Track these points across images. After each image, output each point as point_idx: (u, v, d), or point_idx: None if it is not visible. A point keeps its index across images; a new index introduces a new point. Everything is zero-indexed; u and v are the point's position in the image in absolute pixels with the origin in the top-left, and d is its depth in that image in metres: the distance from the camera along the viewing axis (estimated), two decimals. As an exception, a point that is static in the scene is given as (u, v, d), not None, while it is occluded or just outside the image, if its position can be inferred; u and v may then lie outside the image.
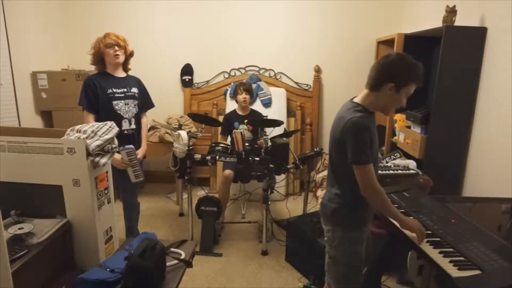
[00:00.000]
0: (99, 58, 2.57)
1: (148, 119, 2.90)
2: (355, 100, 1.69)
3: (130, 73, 2.75)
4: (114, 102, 2.57)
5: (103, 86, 2.55)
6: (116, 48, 2.55)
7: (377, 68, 1.61)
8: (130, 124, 2.65)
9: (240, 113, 3.54)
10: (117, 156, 2.41)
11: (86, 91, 2.55)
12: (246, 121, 3.49)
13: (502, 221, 1.86)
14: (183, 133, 2.91)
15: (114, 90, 2.58)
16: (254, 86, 4.04)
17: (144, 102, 2.79)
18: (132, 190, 2.83)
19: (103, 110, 2.55)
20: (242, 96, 3.44)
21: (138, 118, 2.72)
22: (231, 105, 4.04)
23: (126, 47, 2.62)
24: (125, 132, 2.59)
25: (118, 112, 2.58)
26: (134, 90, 2.67)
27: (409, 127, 3.05)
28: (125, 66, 2.69)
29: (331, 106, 4.36)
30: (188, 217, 3.05)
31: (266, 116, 3.54)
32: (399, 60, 1.57)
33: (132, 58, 2.72)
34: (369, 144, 1.55)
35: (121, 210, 2.81)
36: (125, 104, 2.62)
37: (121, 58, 2.60)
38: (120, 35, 2.60)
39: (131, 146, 2.57)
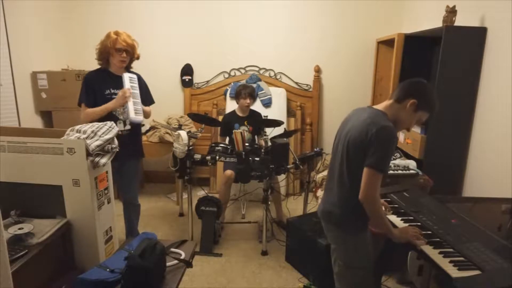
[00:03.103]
0: (104, 56, 2.54)
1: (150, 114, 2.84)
2: (377, 108, 1.69)
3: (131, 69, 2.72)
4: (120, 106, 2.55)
5: (101, 86, 2.53)
6: (124, 54, 2.52)
7: (409, 82, 1.70)
8: (125, 125, 2.61)
9: (240, 114, 3.54)
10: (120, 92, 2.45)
11: (87, 88, 2.54)
12: (246, 122, 3.49)
13: (502, 221, 1.86)
14: (183, 133, 2.91)
15: (112, 91, 2.55)
16: (254, 86, 4.04)
17: (144, 97, 2.72)
18: (133, 191, 2.81)
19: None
20: (246, 101, 3.43)
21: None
22: (231, 105, 4.04)
23: (134, 52, 2.60)
24: (119, 133, 2.55)
25: (114, 113, 2.55)
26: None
27: (409, 127, 3.05)
28: (127, 65, 2.65)
29: (331, 106, 4.36)
30: (188, 217, 3.05)
31: (266, 116, 3.54)
32: (429, 87, 1.69)
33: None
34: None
35: (121, 210, 2.81)
36: (121, 106, 2.57)
37: (126, 63, 2.58)
38: (130, 39, 2.56)
39: (134, 75, 2.58)
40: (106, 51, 2.51)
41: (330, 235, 1.84)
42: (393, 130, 1.57)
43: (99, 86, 2.53)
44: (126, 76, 2.54)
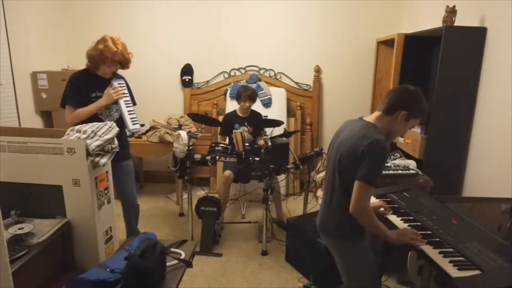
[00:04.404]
0: (97, 61, 2.48)
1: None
2: (368, 120, 1.70)
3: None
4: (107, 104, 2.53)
5: (87, 89, 2.49)
6: (118, 66, 2.52)
7: (396, 93, 1.69)
8: (121, 119, 2.57)
9: (240, 114, 3.54)
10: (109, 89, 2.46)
11: (73, 90, 2.49)
12: (246, 123, 3.49)
13: (502, 221, 1.86)
14: (183, 133, 2.91)
15: (98, 94, 2.50)
16: (254, 86, 4.04)
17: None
18: (130, 191, 2.80)
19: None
20: (245, 104, 3.43)
21: (120, 122, 2.62)
22: (231, 105, 4.04)
23: (127, 66, 2.59)
24: None
25: (99, 116, 2.52)
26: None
27: (409, 127, 3.05)
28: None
29: (331, 106, 4.36)
30: (188, 217, 3.05)
31: (266, 116, 3.54)
32: (416, 94, 1.67)
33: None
34: None
35: (120, 210, 2.80)
36: (107, 109, 2.54)
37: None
38: (127, 52, 2.52)
39: (122, 81, 2.60)
40: (100, 59, 2.46)
41: (330, 248, 1.84)
42: (384, 143, 1.58)
43: (85, 88, 2.49)
44: (115, 84, 2.54)
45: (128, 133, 2.66)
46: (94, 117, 2.48)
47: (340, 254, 1.79)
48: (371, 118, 1.71)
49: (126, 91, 2.59)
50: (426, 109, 1.68)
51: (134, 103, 2.79)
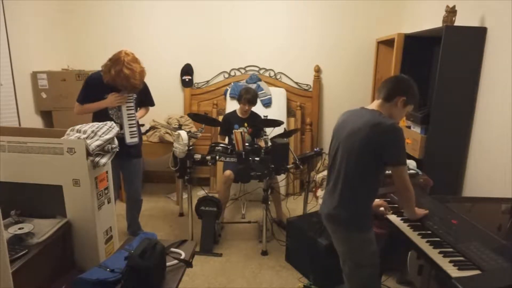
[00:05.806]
0: (110, 75, 2.54)
1: (146, 114, 3.00)
2: (372, 108, 1.77)
3: None
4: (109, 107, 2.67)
5: (102, 92, 2.62)
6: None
7: (393, 81, 1.80)
8: (122, 128, 2.67)
9: (240, 115, 3.54)
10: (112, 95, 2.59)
11: (86, 91, 2.65)
12: (246, 124, 3.49)
13: (502, 221, 1.86)
14: (183, 133, 2.91)
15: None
16: (254, 86, 4.04)
17: (144, 100, 2.85)
18: (135, 187, 2.90)
19: (97, 112, 2.66)
20: (245, 107, 3.42)
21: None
22: (231, 105, 4.04)
23: (133, 92, 2.69)
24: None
25: (111, 116, 2.66)
26: (130, 111, 2.72)
27: (409, 127, 3.05)
28: None
29: (331, 106, 4.36)
30: (188, 217, 3.05)
31: (266, 116, 3.53)
32: (411, 81, 1.79)
33: None
34: None
35: (121, 210, 2.82)
36: (118, 110, 2.68)
37: None
38: (138, 80, 2.56)
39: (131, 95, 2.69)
40: (112, 81, 2.52)
41: (337, 237, 1.84)
42: (398, 126, 1.66)
43: (99, 91, 2.62)
44: (125, 94, 2.65)
45: (122, 129, 2.72)
46: (106, 116, 2.62)
47: (346, 243, 1.81)
48: (373, 106, 1.78)
49: (132, 105, 2.70)
50: (418, 95, 1.80)
51: (152, 104, 2.95)
